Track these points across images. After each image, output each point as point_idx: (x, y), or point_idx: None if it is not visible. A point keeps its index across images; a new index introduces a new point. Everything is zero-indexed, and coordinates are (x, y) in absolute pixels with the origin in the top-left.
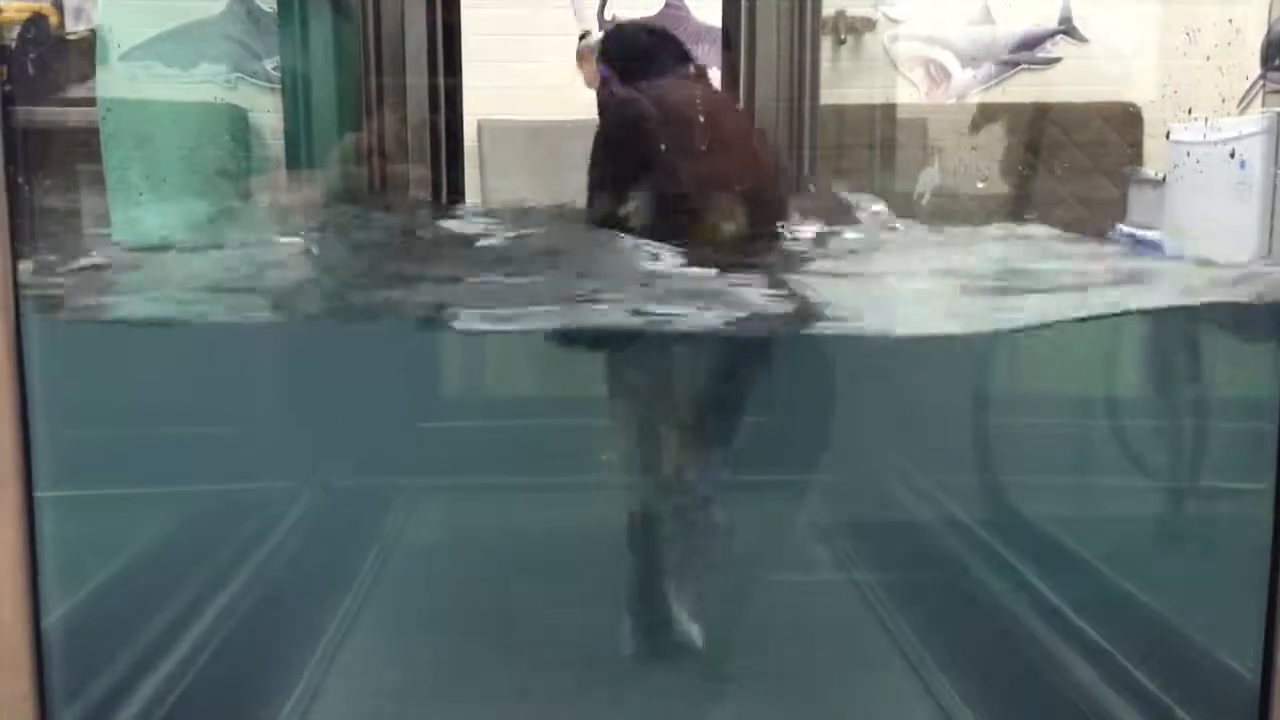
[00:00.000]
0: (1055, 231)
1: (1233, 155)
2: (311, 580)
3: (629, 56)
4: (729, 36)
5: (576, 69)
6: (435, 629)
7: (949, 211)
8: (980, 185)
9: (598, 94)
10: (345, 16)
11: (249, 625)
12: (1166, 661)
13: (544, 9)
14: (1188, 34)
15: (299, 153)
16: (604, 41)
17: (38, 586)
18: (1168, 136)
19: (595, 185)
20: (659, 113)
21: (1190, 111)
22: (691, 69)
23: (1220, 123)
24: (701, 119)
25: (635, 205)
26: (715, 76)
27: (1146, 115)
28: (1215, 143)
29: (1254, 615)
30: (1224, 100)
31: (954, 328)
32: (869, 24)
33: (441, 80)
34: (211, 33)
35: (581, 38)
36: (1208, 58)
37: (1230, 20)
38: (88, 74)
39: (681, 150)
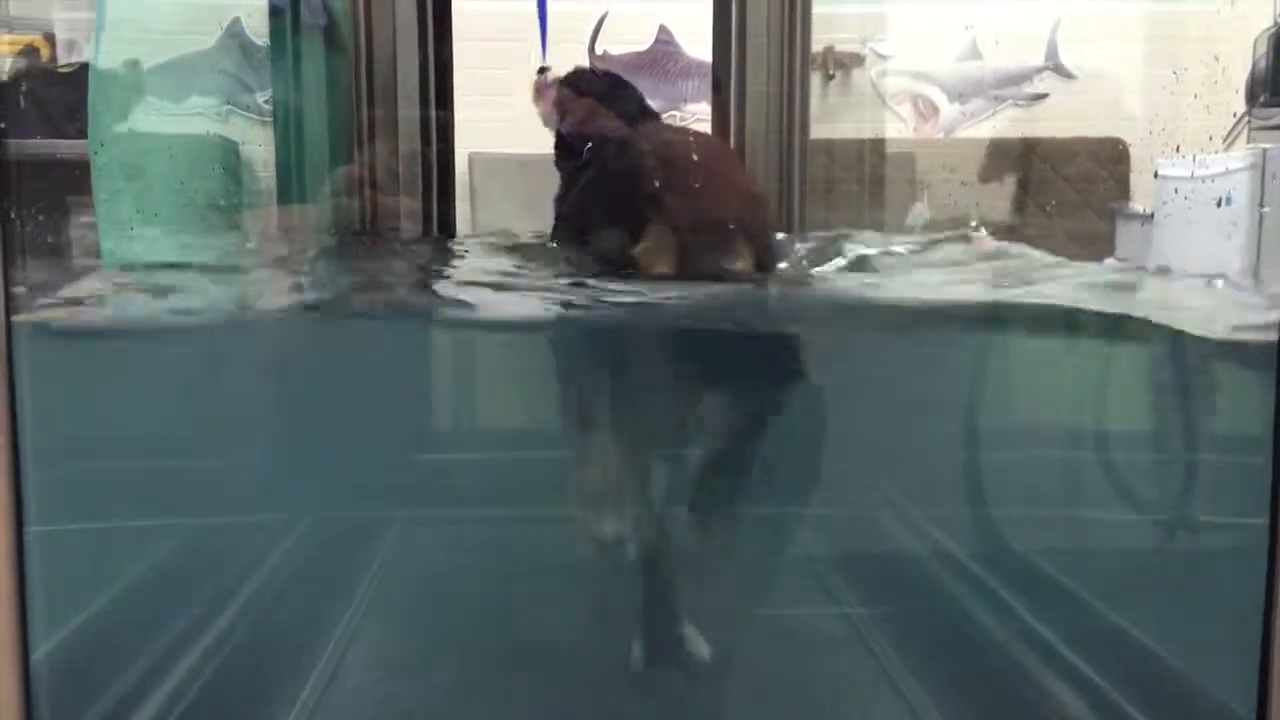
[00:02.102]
0: None
1: (1219, 203)
2: (308, 613)
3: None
4: (719, 72)
5: (534, 103)
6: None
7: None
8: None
9: (565, 133)
10: (337, 50)
11: (242, 660)
12: (1161, 695)
13: (535, 43)
14: (1174, 72)
15: (290, 186)
16: (563, 85)
17: (26, 623)
18: (1156, 175)
19: (589, 223)
20: (658, 153)
21: (1178, 148)
22: (650, 109)
23: (1206, 159)
24: (694, 159)
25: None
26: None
27: (1134, 151)
28: (1201, 179)
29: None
30: (1210, 137)
31: None
32: (858, 60)
33: (433, 113)
34: (203, 66)
35: (540, 72)
36: (1195, 95)
37: (1216, 58)
38: (79, 106)
39: (678, 190)
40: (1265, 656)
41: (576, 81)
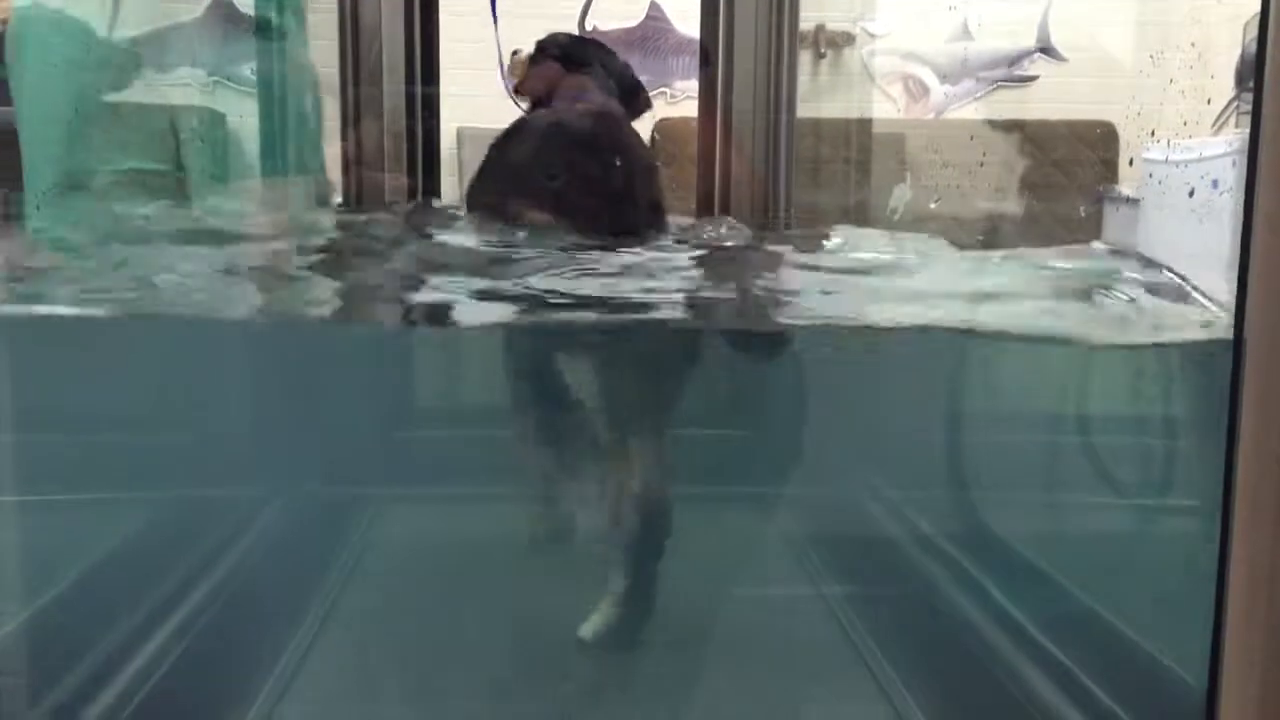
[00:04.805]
0: None
1: (1193, 191)
2: (282, 592)
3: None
4: (706, 50)
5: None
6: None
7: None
8: (934, 203)
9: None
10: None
11: (213, 638)
12: (1127, 677)
13: (523, 18)
14: (1151, 57)
15: (274, 158)
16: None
17: None
18: (1130, 163)
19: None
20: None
21: (1153, 133)
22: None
23: (1190, 143)
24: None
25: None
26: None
27: (1122, 134)
28: (1183, 163)
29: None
30: (1185, 122)
31: None
32: (849, 39)
33: (419, 88)
34: (190, 36)
35: (514, 54)
36: (1171, 80)
37: (1193, 44)
38: None
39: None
40: (1216, 635)
41: (541, 49)
